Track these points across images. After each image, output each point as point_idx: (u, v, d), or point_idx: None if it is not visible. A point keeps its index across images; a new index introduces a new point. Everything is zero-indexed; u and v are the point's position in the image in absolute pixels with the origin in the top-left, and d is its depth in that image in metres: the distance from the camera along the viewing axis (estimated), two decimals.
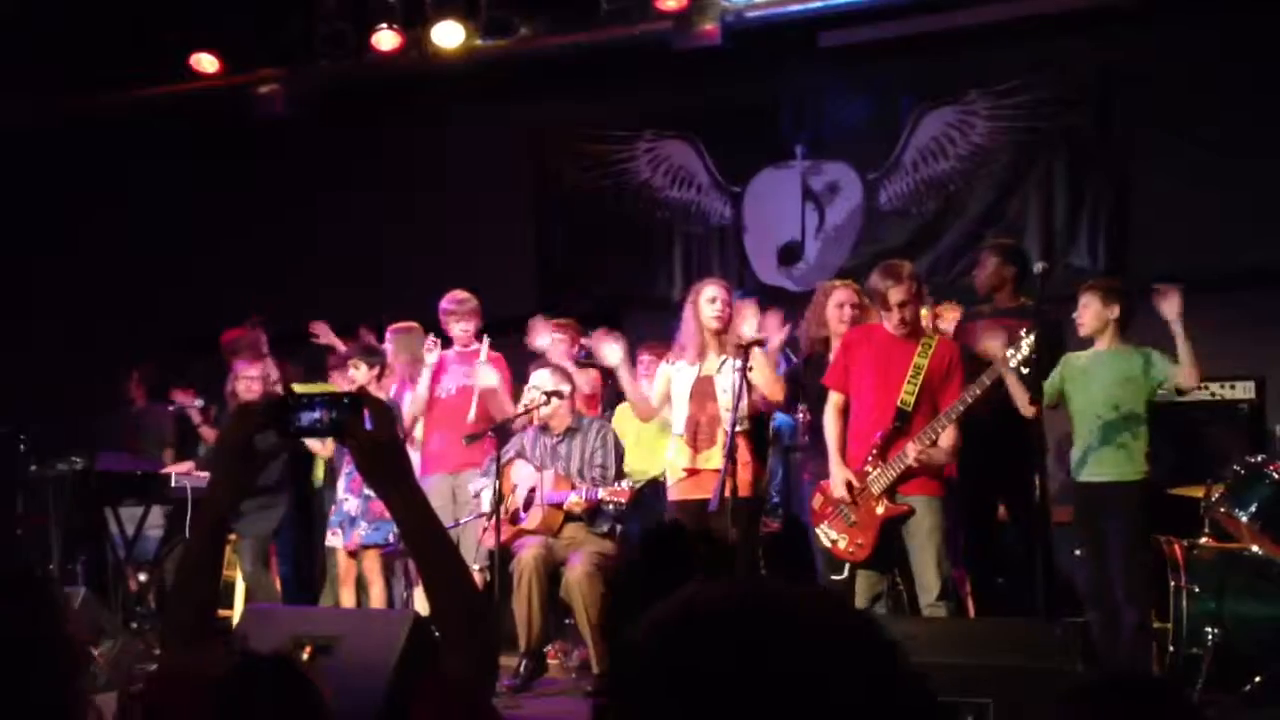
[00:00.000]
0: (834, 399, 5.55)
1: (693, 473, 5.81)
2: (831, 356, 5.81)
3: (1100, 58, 8.18)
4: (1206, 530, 5.66)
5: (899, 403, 5.29)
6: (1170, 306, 5.30)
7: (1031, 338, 5.13)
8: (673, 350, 6.10)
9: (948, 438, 5.26)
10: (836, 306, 6.14)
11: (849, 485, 5.34)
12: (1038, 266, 5.39)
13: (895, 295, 5.35)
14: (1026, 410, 5.33)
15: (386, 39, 8.52)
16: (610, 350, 6.10)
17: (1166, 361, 5.39)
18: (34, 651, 2.00)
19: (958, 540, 5.98)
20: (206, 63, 8.98)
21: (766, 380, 5.64)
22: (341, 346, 7.68)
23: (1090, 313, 5.44)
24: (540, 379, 6.38)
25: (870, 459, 5.31)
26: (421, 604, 7.01)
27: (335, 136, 9.82)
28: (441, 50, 8.53)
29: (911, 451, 5.18)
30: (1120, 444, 5.35)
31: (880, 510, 5.28)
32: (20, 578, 2.23)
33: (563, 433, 6.36)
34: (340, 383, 7.45)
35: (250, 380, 7.17)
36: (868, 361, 5.44)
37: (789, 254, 8.95)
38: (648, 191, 9.39)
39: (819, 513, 5.50)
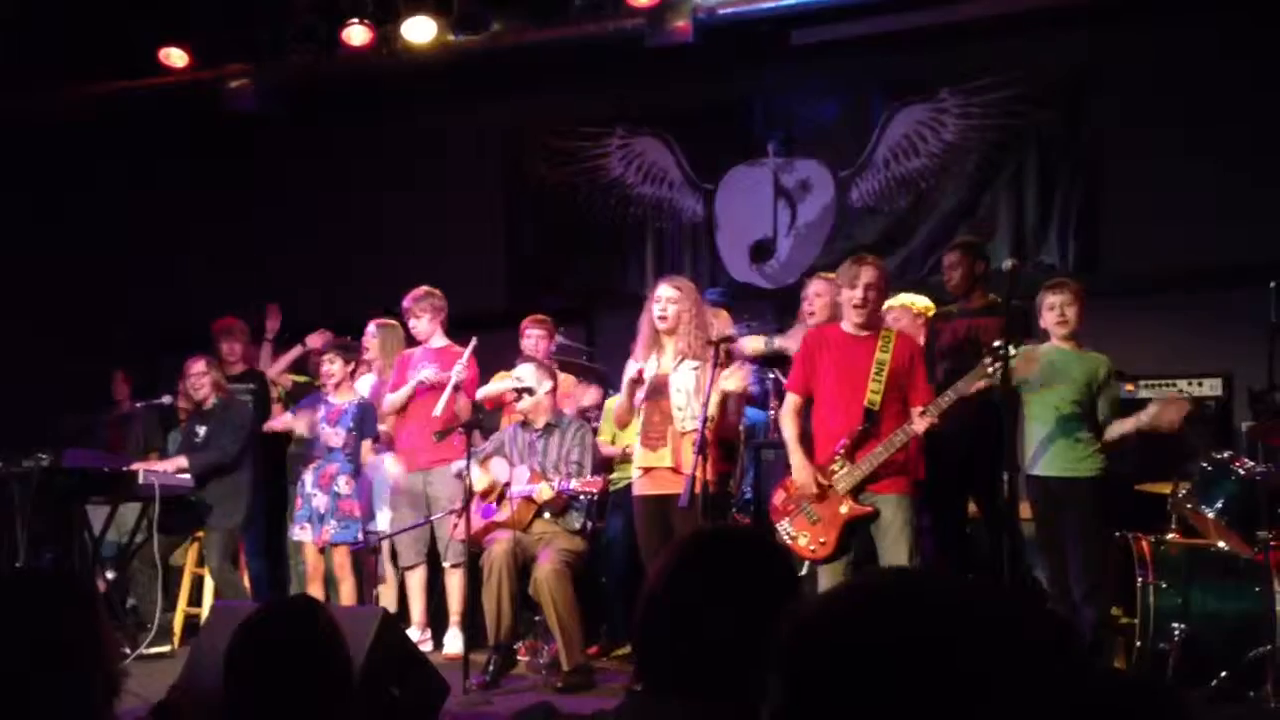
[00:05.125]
0: (792, 400, 5.52)
1: (647, 471, 5.80)
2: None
3: (1070, 56, 8.22)
4: (1174, 526, 5.70)
5: (866, 403, 5.28)
6: (1169, 418, 5.32)
7: (1000, 363, 5.15)
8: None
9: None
10: (815, 295, 6.20)
11: (817, 480, 5.30)
12: (1007, 264, 5.39)
13: (866, 275, 5.34)
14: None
15: (357, 34, 8.47)
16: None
17: (1109, 397, 5.47)
18: (74, 652, 2.01)
19: (928, 537, 6.02)
20: (176, 57, 8.92)
21: (714, 417, 5.57)
22: (271, 331, 7.88)
23: (1074, 311, 5.47)
24: (524, 372, 6.38)
25: (837, 457, 5.30)
26: (388, 601, 7.01)
27: (306, 132, 9.78)
28: (413, 46, 8.50)
29: (921, 424, 5.18)
30: (1076, 440, 5.38)
31: (845, 510, 5.26)
32: (67, 580, 2.24)
33: (542, 429, 6.35)
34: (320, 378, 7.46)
35: (197, 377, 7.20)
36: (829, 363, 5.41)
37: (761, 251, 8.96)
38: (620, 188, 9.39)
39: (779, 509, 5.46)
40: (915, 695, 1.01)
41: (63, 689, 1.99)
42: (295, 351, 7.88)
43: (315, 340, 7.83)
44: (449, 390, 6.77)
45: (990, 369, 5.14)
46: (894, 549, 5.21)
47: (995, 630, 1.05)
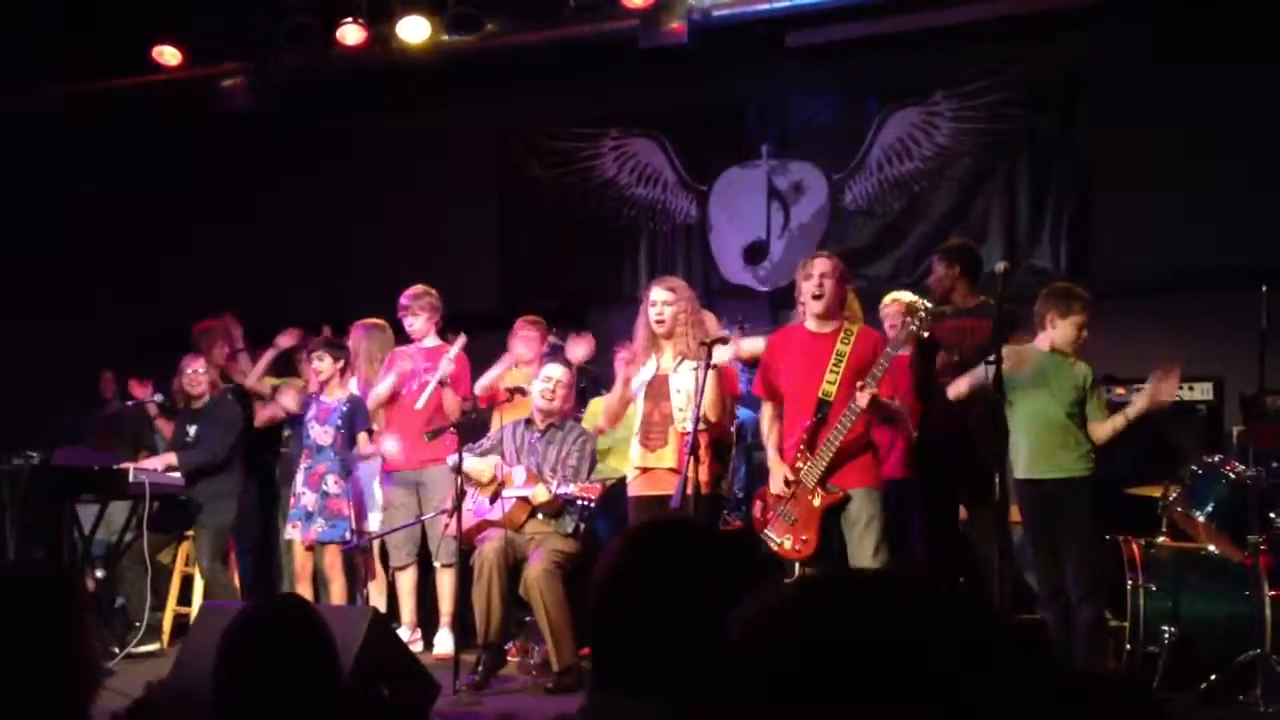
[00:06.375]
0: (763, 406, 5.60)
1: (645, 471, 5.80)
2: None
3: (1064, 60, 8.23)
4: (1164, 529, 5.71)
5: (820, 393, 5.30)
6: (1168, 389, 5.33)
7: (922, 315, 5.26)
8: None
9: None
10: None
11: (786, 480, 5.34)
12: (999, 266, 5.40)
13: (820, 266, 5.41)
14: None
15: (351, 33, 8.47)
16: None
17: (1097, 400, 5.48)
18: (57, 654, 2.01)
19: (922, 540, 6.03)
20: (169, 55, 8.91)
21: (711, 401, 5.57)
22: (238, 340, 7.64)
23: (1083, 329, 5.47)
24: (553, 372, 6.40)
25: (799, 453, 5.32)
26: (378, 600, 7.00)
27: (299, 132, 9.77)
28: (407, 45, 8.49)
29: (863, 398, 5.17)
30: (1070, 442, 5.38)
31: (817, 502, 5.28)
32: (55, 580, 2.25)
33: (544, 429, 6.35)
34: (307, 374, 7.44)
35: (194, 374, 7.18)
36: (791, 361, 5.46)
37: (754, 253, 8.96)
38: (614, 189, 9.37)
39: (760, 519, 5.49)
40: (883, 696, 1.01)
41: (40, 682, 1.99)
42: (268, 355, 7.81)
43: (286, 340, 7.80)
44: (432, 385, 6.78)
45: (913, 325, 5.25)
46: (861, 542, 5.23)
47: (963, 632, 1.04)
